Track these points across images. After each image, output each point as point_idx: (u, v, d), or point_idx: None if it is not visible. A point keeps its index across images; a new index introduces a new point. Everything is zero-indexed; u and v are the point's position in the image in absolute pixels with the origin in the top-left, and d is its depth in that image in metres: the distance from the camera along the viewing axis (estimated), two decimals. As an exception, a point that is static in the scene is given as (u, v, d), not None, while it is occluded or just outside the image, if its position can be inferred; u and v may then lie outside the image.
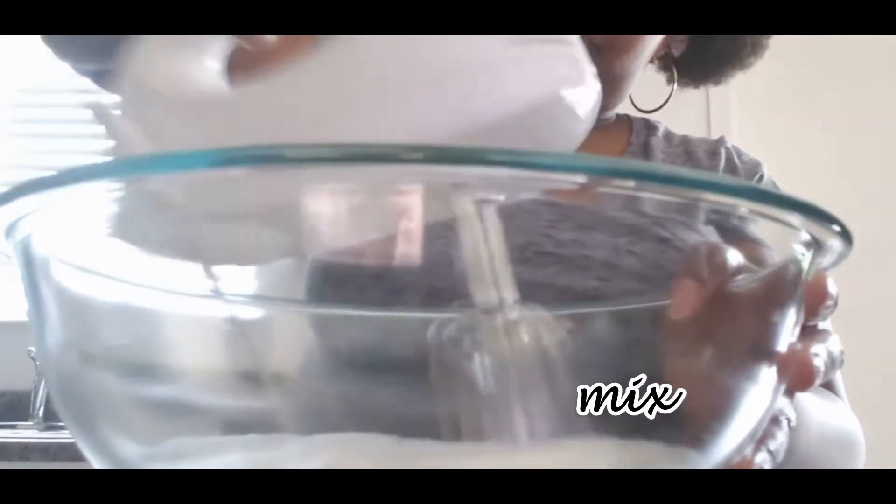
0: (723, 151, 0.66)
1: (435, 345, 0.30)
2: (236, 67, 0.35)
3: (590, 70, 0.30)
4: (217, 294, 0.30)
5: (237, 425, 0.29)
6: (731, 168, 0.66)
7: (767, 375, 0.28)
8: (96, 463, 0.26)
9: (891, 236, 1.68)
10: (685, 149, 0.66)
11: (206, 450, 0.27)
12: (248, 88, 0.30)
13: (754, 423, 0.28)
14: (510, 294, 0.28)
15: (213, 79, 0.33)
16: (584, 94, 0.30)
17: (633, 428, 0.28)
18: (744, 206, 0.24)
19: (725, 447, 0.28)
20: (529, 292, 0.28)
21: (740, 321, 0.29)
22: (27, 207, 0.23)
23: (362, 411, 0.32)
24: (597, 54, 0.32)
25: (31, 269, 0.25)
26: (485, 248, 0.27)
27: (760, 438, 0.32)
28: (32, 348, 1.72)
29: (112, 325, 0.27)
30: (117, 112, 0.31)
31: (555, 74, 0.29)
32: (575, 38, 0.30)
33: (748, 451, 0.30)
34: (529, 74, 0.28)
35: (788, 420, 0.34)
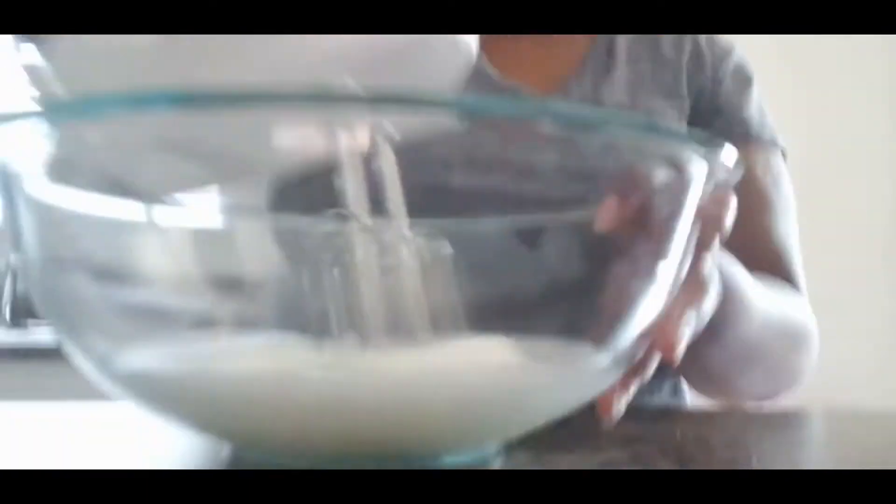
0: (688, 42, 0.66)
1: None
2: None
3: None
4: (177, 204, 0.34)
5: (200, 325, 0.32)
6: (696, 56, 0.66)
7: (664, 285, 0.32)
8: (79, 363, 0.30)
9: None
10: (651, 44, 0.66)
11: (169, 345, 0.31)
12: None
13: (647, 325, 0.32)
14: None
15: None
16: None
17: (531, 329, 0.32)
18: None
19: (624, 343, 0.32)
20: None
21: (652, 235, 0.33)
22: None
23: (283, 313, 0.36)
24: None
25: (8, 186, 0.28)
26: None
27: (685, 301, 0.37)
28: (-5, 252, 1.73)
29: (84, 234, 0.30)
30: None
31: None
32: None
33: (674, 312, 0.36)
34: None
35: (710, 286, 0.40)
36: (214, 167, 0.34)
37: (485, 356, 0.30)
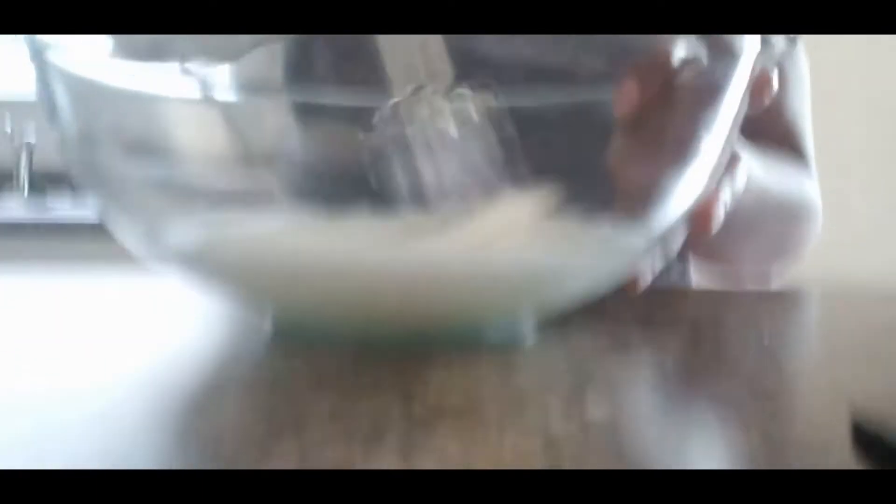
0: None
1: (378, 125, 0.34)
2: None
3: None
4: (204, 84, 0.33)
5: (228, 202, 0.32)
6: None
7: (702, 162, 0.32)
8: (122, 237, 0.30)
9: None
10: None
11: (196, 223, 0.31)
12: None
13: (687, 204, 0.32)
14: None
15: None
16: None
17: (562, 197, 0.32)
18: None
19: (659, 222, 0.32)
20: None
21: (681, 112, 0.32)
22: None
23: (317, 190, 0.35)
24: None
25: (41, 60, 0.28)
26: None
27: (723, 180, 0.38)
28: (9, 128, 1.72)
29: (116, 112, 0.30)
30: None
31: None
32: None
33: (714, 189, 0.36)
34: None
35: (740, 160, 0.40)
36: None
37: (525, 220, 0.30)
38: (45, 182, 1.78)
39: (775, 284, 0.65)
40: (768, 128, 0.64)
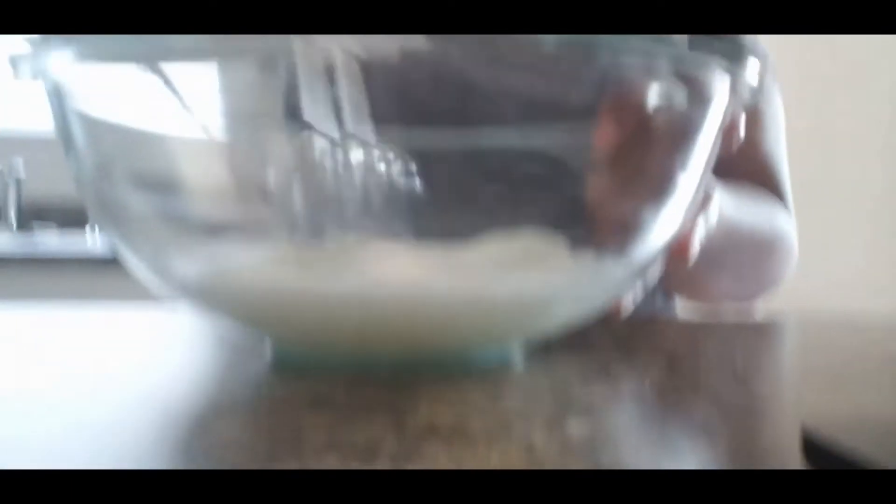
0: None
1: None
2: None
3: None
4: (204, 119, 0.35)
5: (233, 232, 0.34)
6: None
7: (677, 198, 0.34)
8: (130, 263, 0.31)
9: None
10: None
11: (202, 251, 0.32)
12: None
13: (665, 238, 0.34)
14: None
15: None
16: None
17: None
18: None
19: (639, 254, 0.33)
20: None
21: (656, 152, 0.34)
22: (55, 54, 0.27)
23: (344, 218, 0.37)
24: None
25: (62, 106, 0.29)
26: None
27: (697, 213, 0.40)
28: (-2, 161, 1.73)
29: (129, 148, 0.31)
30: None
31: None
32: None
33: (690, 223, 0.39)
34: None
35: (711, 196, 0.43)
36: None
37: (516, 252, 0.31)
38: (32, 217, 1.79)
39: (754, 316, 0.66)
40: (745, 166, 0.66)
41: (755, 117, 0.67)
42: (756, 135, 0.67)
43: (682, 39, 0.32)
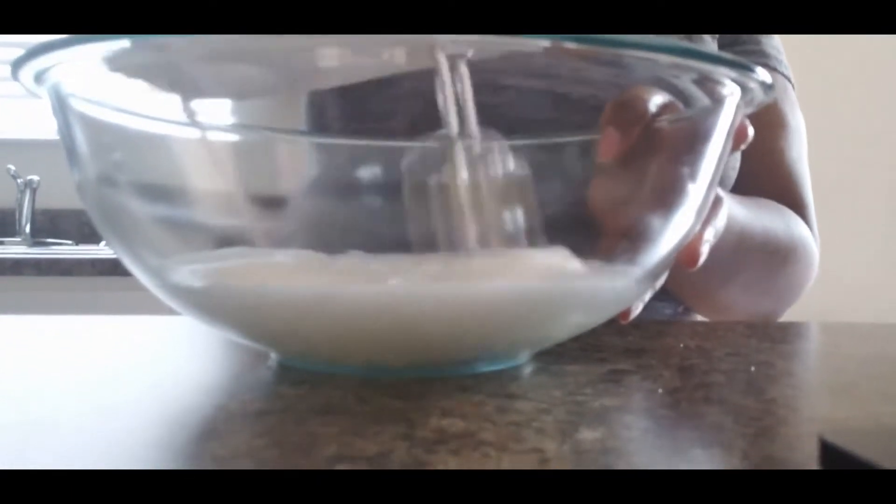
0: None
1: (408, 171, 0.35)
2: None
3: None
4: (215, 125, 0.35)
5: (237, 241, 0.34)
6: None
7: (686, 205, 0.33)
8: (134, 272, 0.31)
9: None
10: None
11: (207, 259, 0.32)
12: None
13: (674, 244, 0.34)
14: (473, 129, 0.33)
15: None
16: None
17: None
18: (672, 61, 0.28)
19: (649, 258, 0.33)
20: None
21: (662, 159, 0.33)
22: (57, 59, 0.27)
23: (345, 230, 0.37)
24: None
25: (64, 111, 0.29)
26: (452, 91, 0.31)
27: (706, 219, 0.40)
28: (12, 166, 1.74)
29: (132, 155, 0.32)
30: None
31: None
32: None
33: (699, 228, 0.38)
34: None
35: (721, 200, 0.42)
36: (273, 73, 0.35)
37: (532, 266, 0.31)
38: (47, 222, 1.80)
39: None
40: (771, 176, 0.66)
41: (783, 127, 0.67)
42: (782, 144, 0.67)
43: (689, 42, 0.32)
